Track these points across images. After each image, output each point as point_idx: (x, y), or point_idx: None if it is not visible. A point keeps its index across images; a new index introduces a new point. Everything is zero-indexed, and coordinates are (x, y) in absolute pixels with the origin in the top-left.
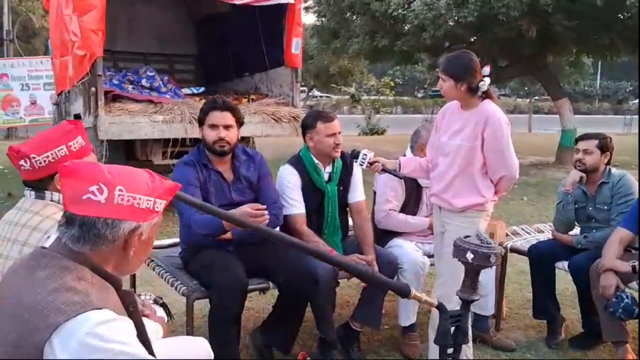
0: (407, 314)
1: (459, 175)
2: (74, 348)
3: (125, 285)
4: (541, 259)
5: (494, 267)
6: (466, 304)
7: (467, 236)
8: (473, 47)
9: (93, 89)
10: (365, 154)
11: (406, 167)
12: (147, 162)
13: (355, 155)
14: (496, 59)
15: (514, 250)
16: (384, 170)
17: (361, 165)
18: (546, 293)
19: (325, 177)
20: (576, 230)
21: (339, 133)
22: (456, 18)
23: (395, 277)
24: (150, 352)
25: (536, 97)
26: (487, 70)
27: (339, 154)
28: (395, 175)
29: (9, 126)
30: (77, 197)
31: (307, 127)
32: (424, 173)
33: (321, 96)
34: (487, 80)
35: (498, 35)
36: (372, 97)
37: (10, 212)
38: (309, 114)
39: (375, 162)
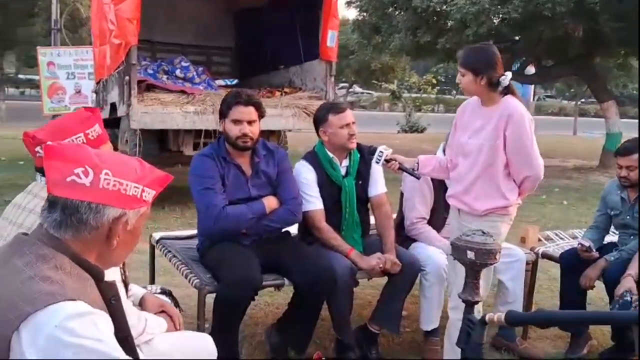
0: (430, 318)
1: (480, 177)
2: (42, 342)
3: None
4: (573, 267)
5: (523, 274)
6: (470, 305)
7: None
8: (517, 46)
9: (127, 77)
10: (382, 152)
11: (425, 166)
12: (179, 153)
13: (372, 152)
14: (541, 58)
15: (545, 256)
16: (401, 169)
17: (377, 162)
18: (575, 304)
19: (342, 171)
20: (611, 237)
21: (353, 123)
22: (500, 15)
23: (418, 280)
24: (131, 348)
25: (583, 100)
26: (531, 70)
27: (354, 145)
28: (413, 175)
29: (54, 113)
30: (61, 179)
31: (319, 121)
32: (444, 173)
33: (362, 92)
34: (509, 74)
35: (543, 34)
36: (414, 95)
37: (20, 195)
38: (319, 108)
39: (392, 159)
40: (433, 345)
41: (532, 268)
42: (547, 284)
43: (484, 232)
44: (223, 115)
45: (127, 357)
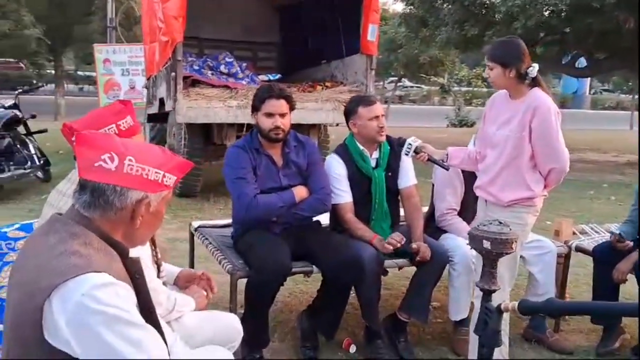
0: (459, 308)
1: (506, 168)
2: (71, 308)
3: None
4: (605, 260)
5: (553, 266)
6: (487, 294)
7: (483, 224)
8: (567, 38)
9: (173, 73)
10: (411, 143)
11: (454, 158)
12: (222, 146)
13: (401, 143)
14: (592, 51)
15: (579, 249)
16: (430, 160)
17: (406, 154)
18: (607, 297)
19: (373, 163)
20: None
21: (382, 116)
22: (549, 7)
23: (446, 272)
24: (154, 320)
25: None
26: (583, 61)
27: (384, 138)
28: (442, 166)
29: None
30: (90, 165)
31: (349, 113)
32: (473, 165)
33: (411, 86)
34: (536, 66)
35: (593, 26)
36: (464, 88)
37: (63, 182)
38: (350, 100)
39: (421, 151)
40: (462, 336)
41: (564, 261)
42: (585, 278)
43: (500, 222)
44: (256, 108)
45: (145, 323)
